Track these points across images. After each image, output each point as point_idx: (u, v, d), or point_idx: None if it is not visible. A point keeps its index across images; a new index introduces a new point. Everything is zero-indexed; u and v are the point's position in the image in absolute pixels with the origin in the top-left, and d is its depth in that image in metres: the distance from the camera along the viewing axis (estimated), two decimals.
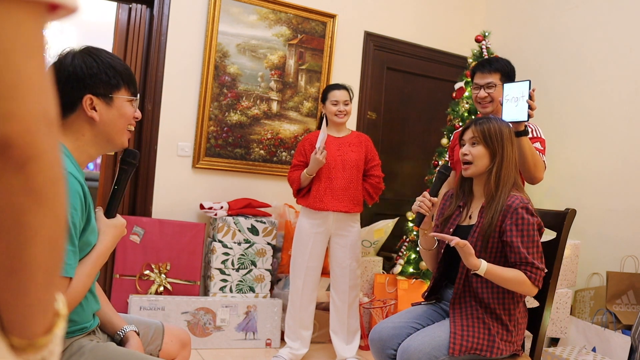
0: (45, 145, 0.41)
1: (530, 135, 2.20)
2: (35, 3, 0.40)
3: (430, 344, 1.65)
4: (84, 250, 1.22)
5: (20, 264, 0.42)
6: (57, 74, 1.22)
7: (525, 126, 2.04)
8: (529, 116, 1.97)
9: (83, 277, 1.18)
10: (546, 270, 1.71)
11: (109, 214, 1.32)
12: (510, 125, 1.86)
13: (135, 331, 1.44)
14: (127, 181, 1.37)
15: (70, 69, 1.22)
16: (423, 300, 2.00)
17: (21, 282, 0.43)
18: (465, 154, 1.82)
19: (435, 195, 1.88)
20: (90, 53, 1.25)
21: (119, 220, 1.33)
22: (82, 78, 1.21)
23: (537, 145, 2.20)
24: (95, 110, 1.23)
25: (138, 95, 1.34)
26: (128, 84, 1.29)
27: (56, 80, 1.22)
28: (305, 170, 2.78)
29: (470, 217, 1.85)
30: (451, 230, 1.85)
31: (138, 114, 1.33)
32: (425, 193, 1.88)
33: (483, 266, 1.64)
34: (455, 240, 1.63)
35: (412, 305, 2.01)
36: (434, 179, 1.93)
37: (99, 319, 1.41)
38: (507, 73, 2.32)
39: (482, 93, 2.31)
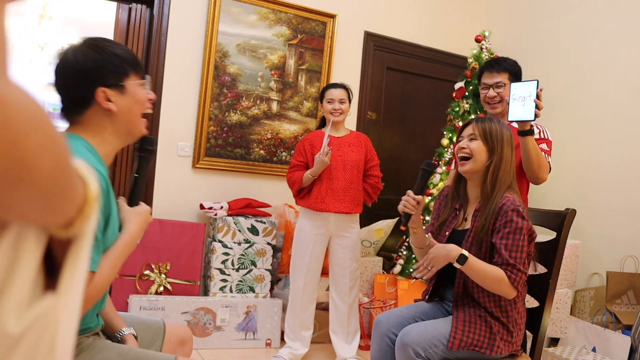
0: None
1: (537, 137, 2.20)
2: None
3: (431, 333, 1.66)
4: (107, 245, 1.20)
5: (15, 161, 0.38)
6: (63, 72, 1.22)
7: (531, 126, 2.04)
8: (536, 116, 1.96)
9: (107, 269, 1.16)
10: (529, 273, 1.67)
11: (132, 203, 1.31)
12: (511, 129, 1.84)
13: (134, 334, 1.43)
14: (148, 169, 1.37)
15: (75, 66, 1.20)
16: (422, 298, 2.00)
17: (22, 179, 0.39)
18: (463, 148, 1.79)
19: (420, 194, 1.86)
20: (91, 45, 1.22)
21: (143, 207, 1.32)
22: (89, 72, 1.20)
23: (544, 146, 2.19)
24: (111, 102, 1.22)
25: (147, 76, 1.32)
26: (135, 68, 1.27)
27: (64, 78, 1.21)
28: (308, 172, 2.77)
29: (465, 220, 1.84)
30: (447, 234, 1.85)
31: (151, 95, 1.32)
32: (410, 192, 1.86)
33: (466, 252, 1.65)
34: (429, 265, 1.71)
35: (415, 301, 2.01)
36: (418, 177, 1.92)
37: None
38: (515, 73, 2.31)
39: (492, 92, 2.30)
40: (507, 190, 1.73)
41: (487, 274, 1.62)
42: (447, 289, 1.92)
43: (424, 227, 1.96)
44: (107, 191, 1.18)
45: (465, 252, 1.64)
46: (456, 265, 1.64)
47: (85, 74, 1.20)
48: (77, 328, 0.52)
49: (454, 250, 1.65)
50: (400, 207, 1.87)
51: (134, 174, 1.35)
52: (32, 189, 0.40)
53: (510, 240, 1.64)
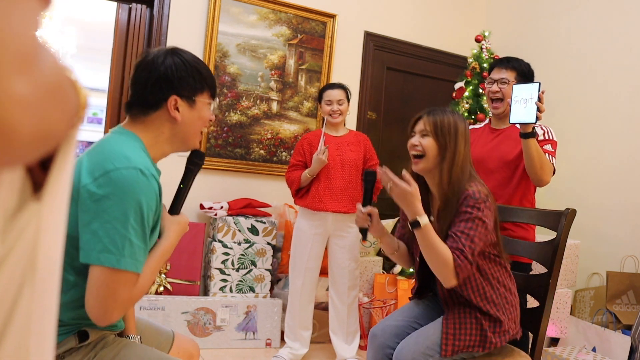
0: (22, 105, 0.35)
1: (542, 138, 2.19)
2: None
3: (423, 344, 1.64)
4: (149, 248, 1.25)
5: None
6: (147, 71, 1.28)
7: (533, 128, 2.03)
8: (537, 118, 1.96)
9: (148, 273, 1.21)
10: (472, 265, 1.57)
11: (173, 211, 1.37)
12: (465, 121, 1.78)
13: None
14: (192, 181, 1.42)
15: (161, 69, 1.27)
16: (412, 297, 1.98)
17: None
18: (415, 145, 1.70)
19: (369, 204, 1.81)
20: (180, 55, 1.31)
21: (183, 217, 1.37)
22: (171, 80, 1.27)
23: (548, 147, 2.18)
24: (178, 111, 1.29)
25: (217, 99, 1.39)
26: (210, 88, 1.35)
27: (146, 77, 1.28)
28: (306, 171, 2.78)
29: (433, 218, 1.75)
30: None
31: (213, 116, 1.39)
32: (358, 205, 1.81)
33: (424, 221, 1.55)
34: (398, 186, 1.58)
35: (410, 298, 1.99)
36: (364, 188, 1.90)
37: None
38: (524, 73, 2.30)
39: (494, 87, 2.31)
40: (468, 182, 1.63)
41: (436, 250, 1.53)
42: (438, 285, 1.88)
43: (391, 232, 1.92)
44: (160, 197, 1.24)
45: (423, 222, 1.54)
46: (409, 225, 1.58)
47: (167, 79, 1.27)
48: (63, 244, 0.50)
49: (418, 211, 1.56)
50: (356, 225, 1.84)
51: (179, 184, 1.40)
52: (51, 144, 0.42)
53: (462, 227, 1.56)
